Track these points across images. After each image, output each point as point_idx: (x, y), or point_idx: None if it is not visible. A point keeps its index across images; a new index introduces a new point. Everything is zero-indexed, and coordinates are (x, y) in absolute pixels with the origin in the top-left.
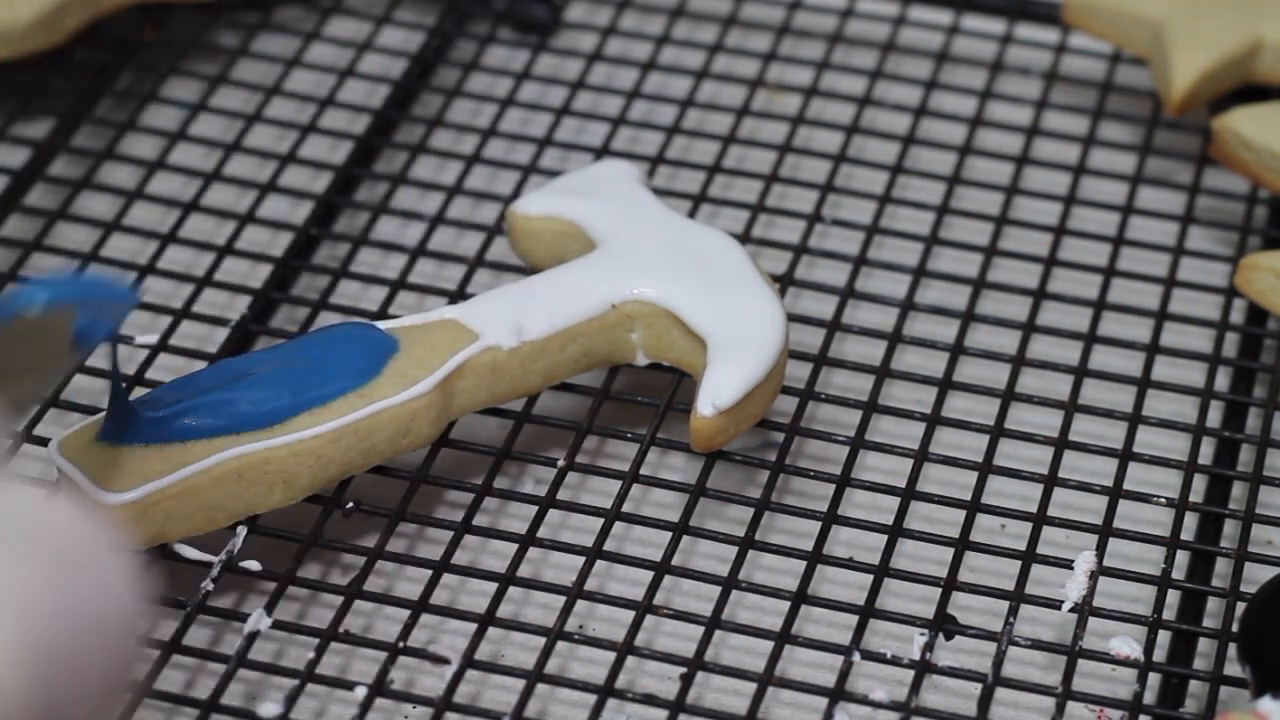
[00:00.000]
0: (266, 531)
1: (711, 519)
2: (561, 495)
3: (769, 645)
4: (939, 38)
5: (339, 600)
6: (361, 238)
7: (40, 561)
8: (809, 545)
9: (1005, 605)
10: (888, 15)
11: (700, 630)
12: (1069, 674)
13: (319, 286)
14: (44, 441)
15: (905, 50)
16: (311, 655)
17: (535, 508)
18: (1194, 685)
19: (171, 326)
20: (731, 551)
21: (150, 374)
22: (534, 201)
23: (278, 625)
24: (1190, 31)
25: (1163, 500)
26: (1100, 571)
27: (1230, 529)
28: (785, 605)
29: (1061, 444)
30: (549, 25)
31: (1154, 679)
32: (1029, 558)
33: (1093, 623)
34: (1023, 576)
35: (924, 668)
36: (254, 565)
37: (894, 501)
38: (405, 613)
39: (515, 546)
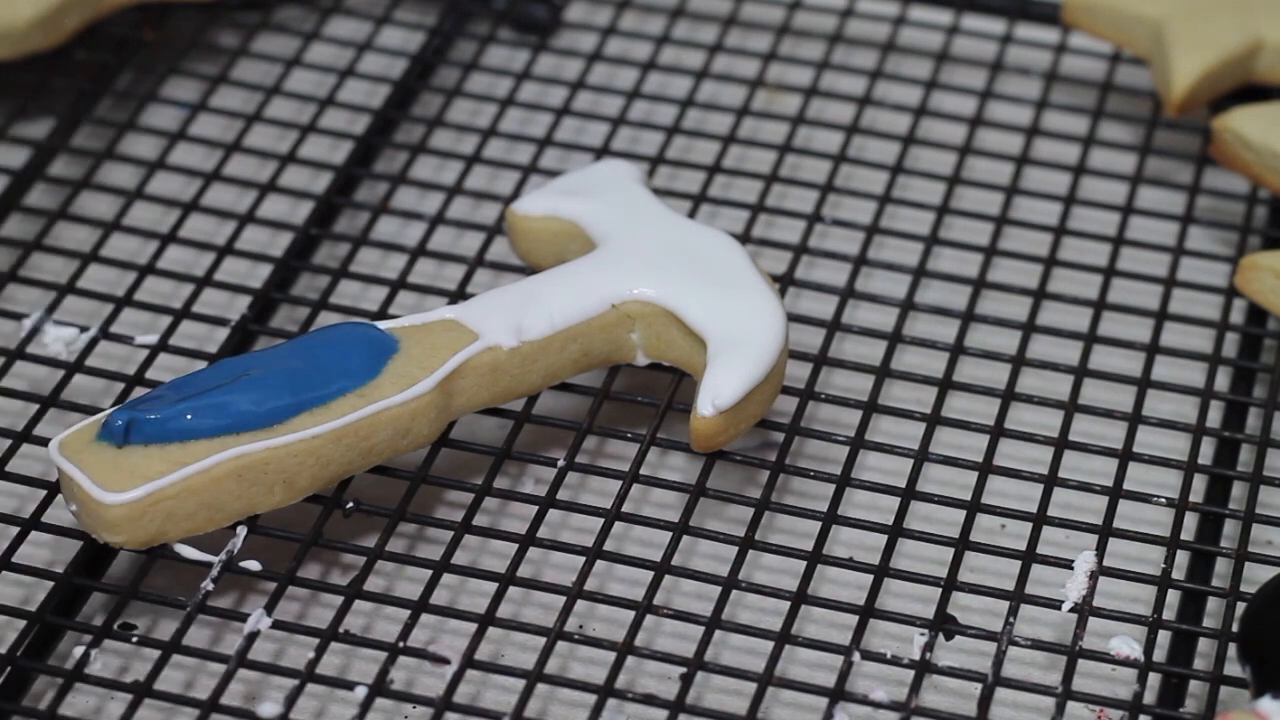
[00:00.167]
0: (266, 531)
1: (711, 519)
2: (561, 495)
3: (769, 645)
4: (939, 38)
5: (339, 600)
6: (361, 238)
7: None
8: (809, 545)
9: (1005, 605)
10: (888, 15)
11: (700, 630)
12: (1069, 674)
13: (319, 286)
14: (44, 441)
15: (905, 50)
16: (311, 655)
17: (535, 508)
18: (1194, 685)
19: (171, 326)
20: (731, 551)
21: (150, 374)
22: (534, 201)
23: (278, 625)
24: (1190, 31)
25: (1163, 500)
26: (1100, 571)
27: (1230, 529)
28: (785, 605)
29: (1061, 444)
30: (549, 25)
31: (1154, 679)
32: (1029, 558)
33: (1093, 623)
34: (1023, 576)
35: (924, 668)
36: (254, 565)
37: (894, 501)
38: (405, 613)
39: (515, 546)
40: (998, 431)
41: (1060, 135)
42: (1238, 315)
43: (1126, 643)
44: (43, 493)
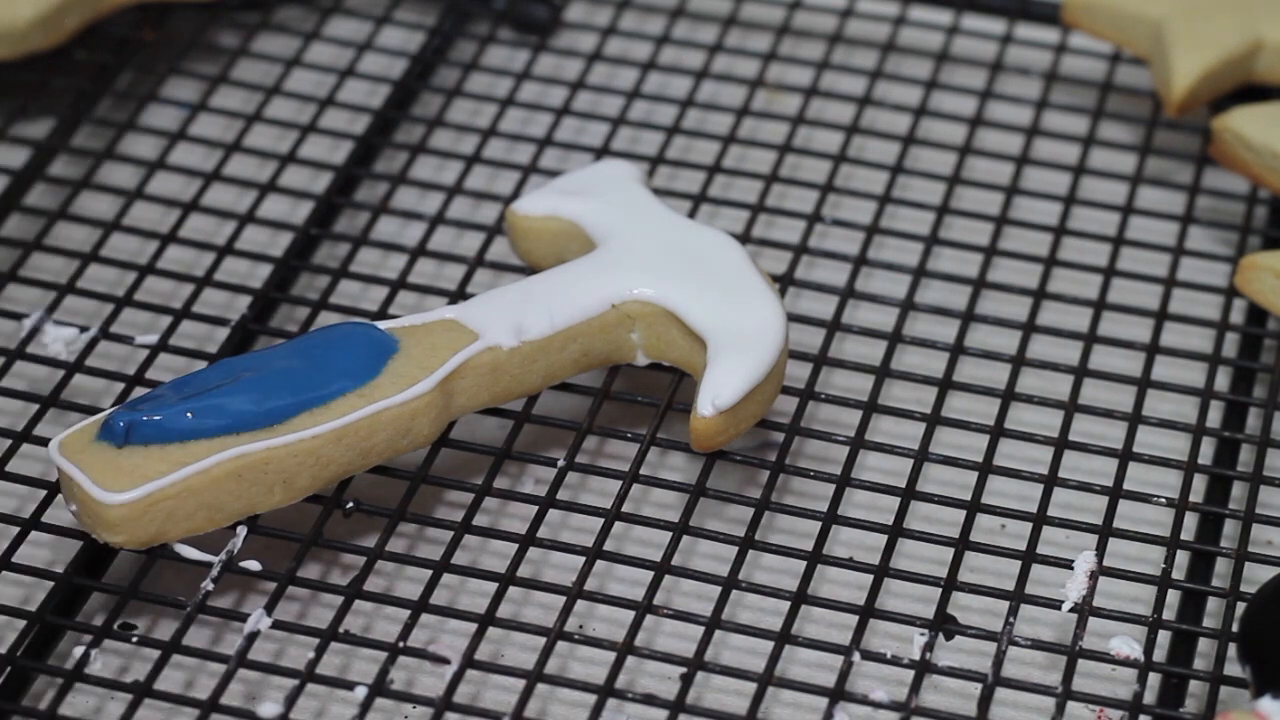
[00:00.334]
0: (266, 531)
1: (711, 519)
2: (561, 495)
3: (769, 645)
4: (939, 38)
5: (339, 600)
6: (361, 238)
7: None
8: (809, 545)
9: (1005, 605)
10: (888, 15)
11: (700, 630)
12: (1069, 674)
13: (319, 286)
14: (44, 441)
15: (905, 50)
16: (311, 655)
17: (535, 508)
18: (1194, 685)
19: (171, 326)
20: (731, 551)
21: (150, 374)
22: (534, 201)
23: (278, 625)
24: (1190, 31)
25: (1163, 500)
26: (1100, 571)
27: (1230, 529)
28: (785, 605)
29: (1061, 444)
30: (549, 25)
31: (1154, 679)
32: (1029, 558)
33: (1093, 623)
34: (1023, 576)
35: (924, 668)
36: (254, 565)
37: (894, 501)
38: (405, 613)
39: (515, 546)
40: (998, 431)
41: (1060, 135)
42: (1238, 315)
43: (1126, 643)
44: (43, 493)
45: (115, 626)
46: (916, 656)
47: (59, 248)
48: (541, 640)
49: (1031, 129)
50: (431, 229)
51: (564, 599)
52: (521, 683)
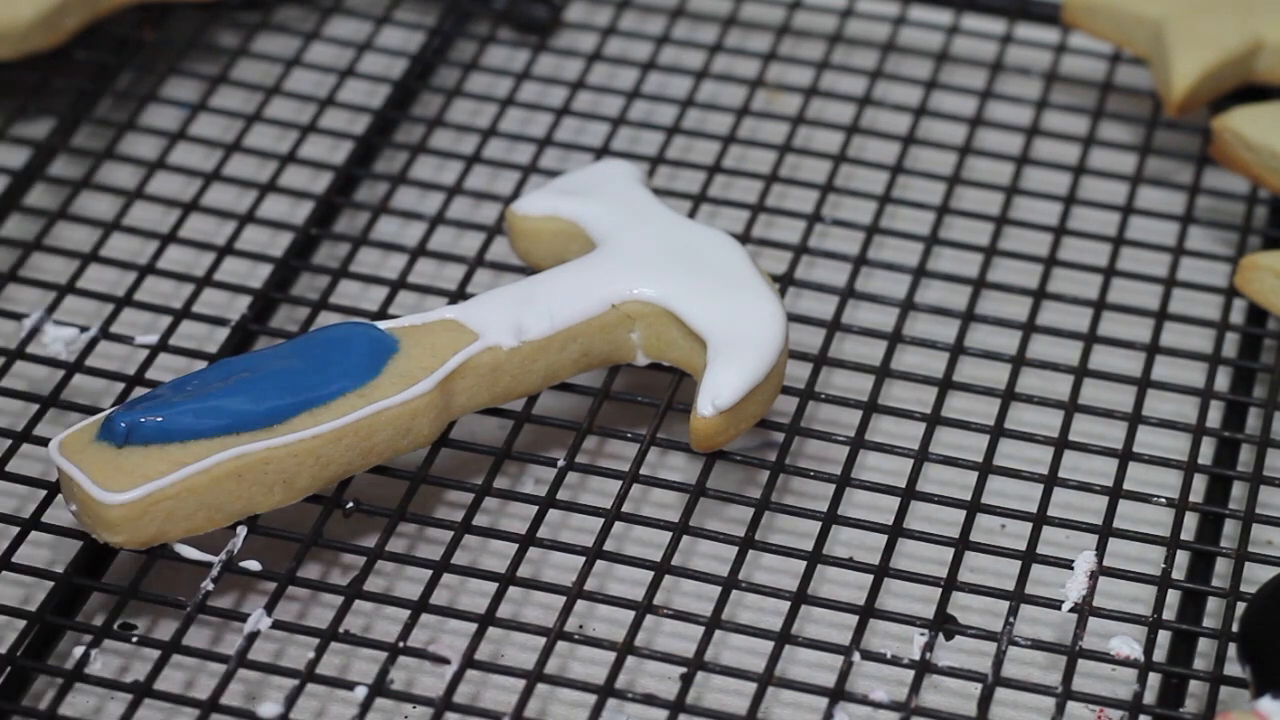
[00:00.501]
0: (266, 531)
1: (711, 519)
2: (561, 495)
3: (769, 645)
4: (939, 38)
5: (339, 600)
6: (361, 238)
7: None
8: (809, 545)
9: (1005, 605)
10: (888, 15)
11: (700, 630)
12: (1069, 674)
13: (319, 286)
14: (44, 441)
15: (905, 50)
16: (311, 655)
17: (535, 508)
18: (1194, 685)
19: (171, 326)
20: (731, 551)
21: (150, 374)
22: (534, 201)
23: (278, 625)
24: (1190, 31)
25: (1163, 500)
26: (1100, 571)
27: (1230, 529)
28: (785, 605)
29: (1061, 444)
30: (549, 25)
31: (1154, 679)
32: (1029, 558)
33: (1093, 623)
34: (1023, 576)
35: (924, 668)
36: (254, 565)
37: (894, 501)
38: (405, 613)
39: (515, 546)
40: (998, 431)
41: (1060, 135)
42: (1238, 315)
43: (1126, 643)
44: (43, 493)
45: (115, 626)
46: (916, 656)
47: (59, 248)
48: (541, 640)
49: (1031, 129)
50: (431, 229)
51: (564, 599)
52: (521, 683)
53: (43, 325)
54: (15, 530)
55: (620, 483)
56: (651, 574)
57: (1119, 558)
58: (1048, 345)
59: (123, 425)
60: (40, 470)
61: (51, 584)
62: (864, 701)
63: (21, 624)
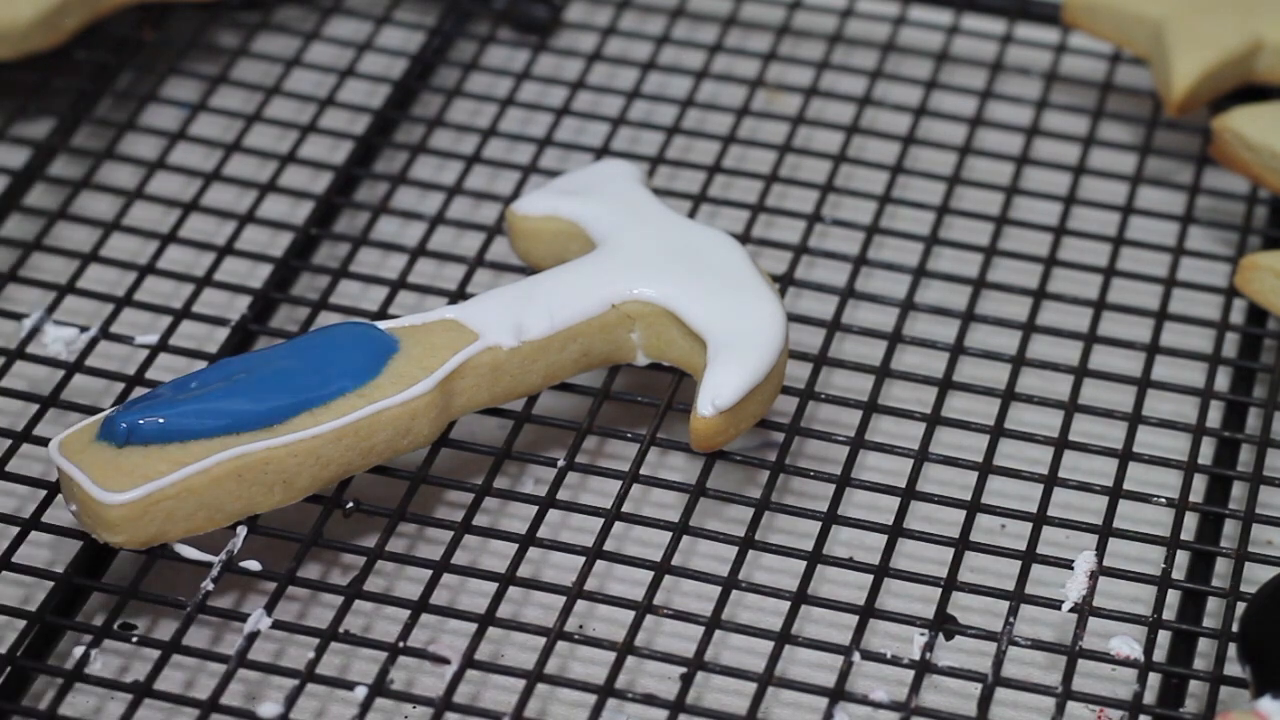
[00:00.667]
0: (266, 531)
1: (711, 519)
2: (561, 495)
3: (769, 645)
4: (939, 38)
5: (339, 600)
6: (361, 238)
7: None
8: (809, 545)
9: (1005, 605)
10: (888, 15)
11: (700, 630)
12: (1069, 674)
13: (319, 286)
14: (44, 441)
15: (905, 50)
16: (311, 655)
17: (535, 508)
18: (1194, 685)
19: (171, 326)
20: (731, 551)
21: (150, 374)
22: (534, 201)
23: (278, 625)
24: (1190, 31)
25: (1163, 500)
26: (1100, 571)
27: (1230, 529)
28: (785, 605)
29: (1061, 444)
30: (549, 25)
31: (1154, 679)
32: (1029, 558)
33: (1093, 623)
34: (1023, 576)
35: (924, 668)
36: (254, 565)
37: (894, 501)
38: (405, 613)
39: (515, 546)
40: (998, 431)
41: (1060, 135)
42: (1238, 315)
43: (1126, 643)
44: (43, 493)
45: (115, 626)
46: (916, 656)
47: (59, 248)
48: (541, 640)
49: (1031, 129)
50: (431, 229)
51: (564, 599)
52: (521, 683)
53: (43, 325)
54: (15, 530)
55: (620, 483)
56: (651, 574)
57: (1119, 558)
58: (1048, 345)
59: (123, 426)
60: (40, 470)
61: (51, 584)
62: (864, 701)
63: (21, 624)
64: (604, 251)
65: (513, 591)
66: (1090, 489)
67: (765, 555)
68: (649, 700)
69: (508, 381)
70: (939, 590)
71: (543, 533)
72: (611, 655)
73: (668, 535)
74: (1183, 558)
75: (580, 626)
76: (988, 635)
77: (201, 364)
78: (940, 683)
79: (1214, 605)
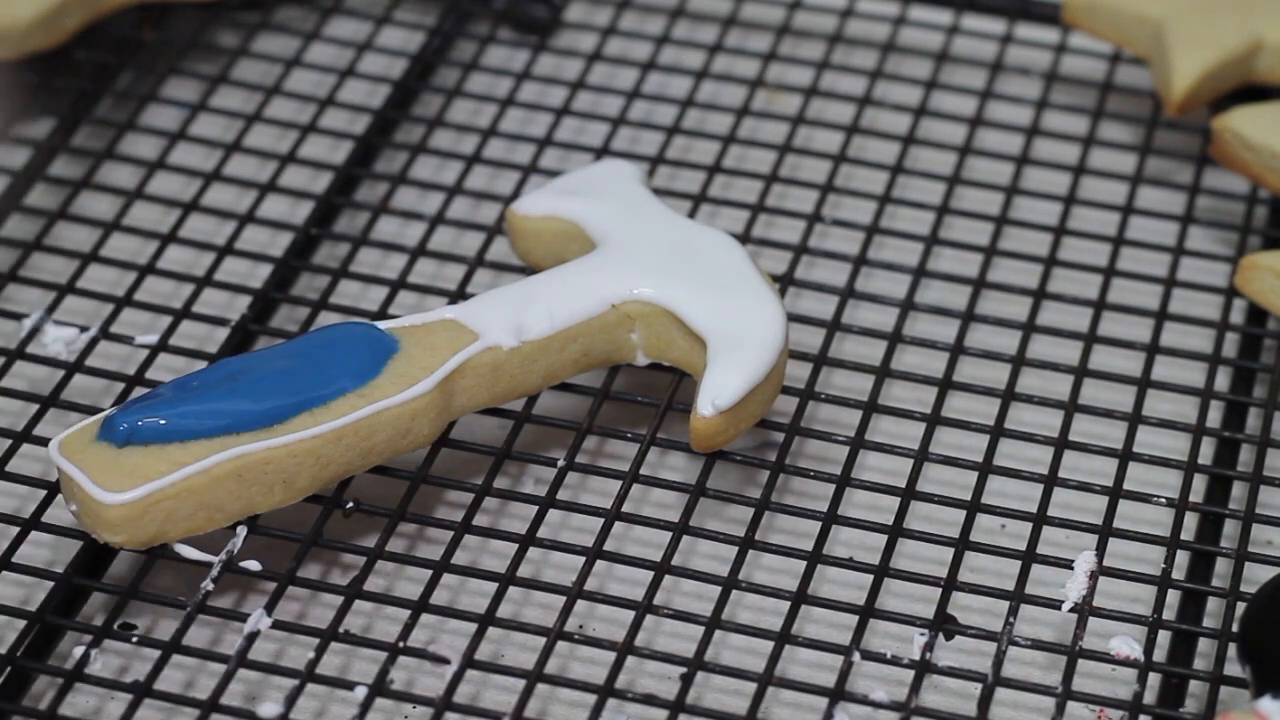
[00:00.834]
0: (266, 531)
1: (711, 519)
2: (561, 495)
3: (769, 645)
4: (939, 38)
5: (339, 600)
6: (361, 238)
7: None
8: (809, 545)
9: (1005, 605)
10: (888, 15)
11: (700, 630)
12: (1069, 674)
13: (319, 286)
14: (44, 441)
15: (905, 50)
16: (311, 655)
17: (535, 508)
18: (1194, 685)
19: (171, 326)
20: (731, 551)
21: (150, 374)
22: (534, 201)
23: (278, 625)
24: (1190, 31)
25: (1163, 500)
26: (1100, 571)
27: (1230, 529)
28: (785, 605)
29: (1061, 444)
30: (549, 25)
31: (1154, 679)
32: (1029, 558)
33: (1093, 623)
34: (1023, 576)
35: (924, 668)
36: (254, 565)
37: (894, 501)
38: (405, 613)
39: (515, 546)
40: (998, 431)
41: (1060, 135)
42: (1238, 315)
43: (1126, 643)
44: (43, 493)
45: (115, 626)
46: (916, 656)
47: (59, 248)
48: (541, 640)
49: (1031, 129)
50: (431, 229)
51: (564, 599)
52: (521, 683)
53: (43, 325)
54: (15, 530)
55: (620, 483)
56: (651, 574)
57: (1119, 558)
58: (1048, 345)
59: (123, 426)
60: (40, 470)
61: (51, 584)
62: (864, 701)
63: (21, 624)
64: (604, 251)
65: (513, 591)
66: (1090, 489)
67: (765, 555)
68: (649, 700)
69: (508, 381)
70: (939, 590)
71: (543, 533)
72: (611, 655)
73: (668, 535)
74: (1183, 558)
75: (580, 626)
76: (988, 635)
77: (201, 364)
78: (940, 683)
79: (1214, 605)
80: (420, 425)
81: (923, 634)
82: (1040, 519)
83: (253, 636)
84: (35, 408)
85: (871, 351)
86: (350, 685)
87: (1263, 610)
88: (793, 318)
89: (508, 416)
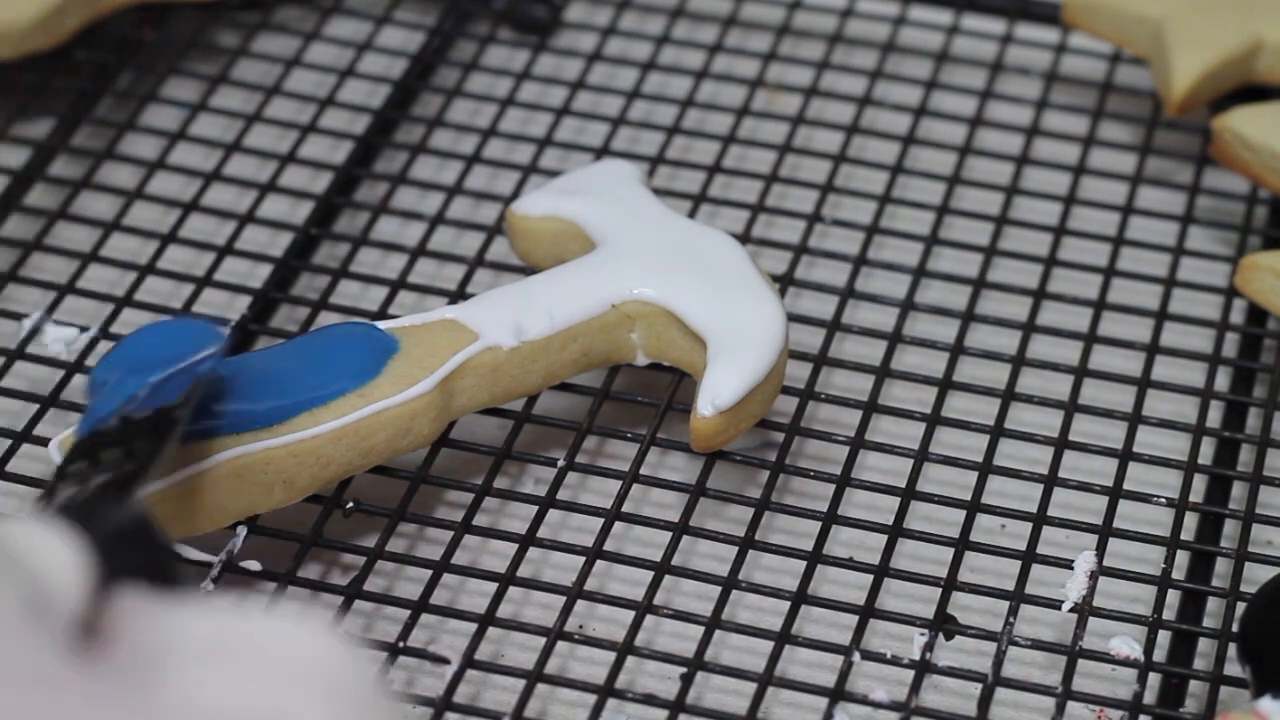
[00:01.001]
0: (266, 531)
1: (711, 519)
2: (561, 495)
3: (769, 645)
4: (939, 38)
5: (339, 600)
6: (361, 238)
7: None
8: (809, 545)
9: (1005, 605)
10: (888, 15)
11: (700, 630)
12: (1069, 674)
13: (319, 286)
14: (44, 441)
15: (905, 50)
16: None
17: (535, 508)
18: (1194, 685)
19: None
20: (731, 551)
21: None
22: (534, 201)
23: None
24: (1190, 31)
25: (1163, 500)
26: (1100, 571)
27: (1230, 529)
28: (785, 605)
29: (1061, 444)
30: (549, 25)
31: (1154, 679)
32: (1029, 558)
33: (1093, 623)
34: (1023, 576)
35: (924, 668)
36: (254, 565)
37: (894, 501)
38: (405, 613)
39: (515, 546)
40: (998, 431)
41: (1060, 135)
42: (1238, 315)
43: (1126, 643)
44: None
45: None
46: (916, 656)
47: (59, 248)
48: (541, 640)
49: (1031, 129)
50: (431, 229)
51: (564, 599)
52: (521, 683)
53: (43, 325)
54: None
55: (620, 483)
56: (651, 574)
57: (1119, 558)
58: (1048, 345)
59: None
60: (40, 470)
61: None
62: (864, 701)
63: None
64: (604, 251)
65: (513, 591)
66: (1090, 489)
67: (765, 555)
68: (649, 700)
69: (508, 381)
70: (939, 590)
71: (543, 533)
72: (611, 655)
73: (668, 535)
74: (1183, 558)
75: (580, 626)
76: (988, 635)
77: None
78: (940, 683)
79: (1214, 605)
80: (420, 425)
81: (923, 634)
82: (1040, 519)
83: None
84: (35, 408)
85: (871, 351)
86: None
87: (1263, 610)
88: (793, 318)
89: (508, 416)
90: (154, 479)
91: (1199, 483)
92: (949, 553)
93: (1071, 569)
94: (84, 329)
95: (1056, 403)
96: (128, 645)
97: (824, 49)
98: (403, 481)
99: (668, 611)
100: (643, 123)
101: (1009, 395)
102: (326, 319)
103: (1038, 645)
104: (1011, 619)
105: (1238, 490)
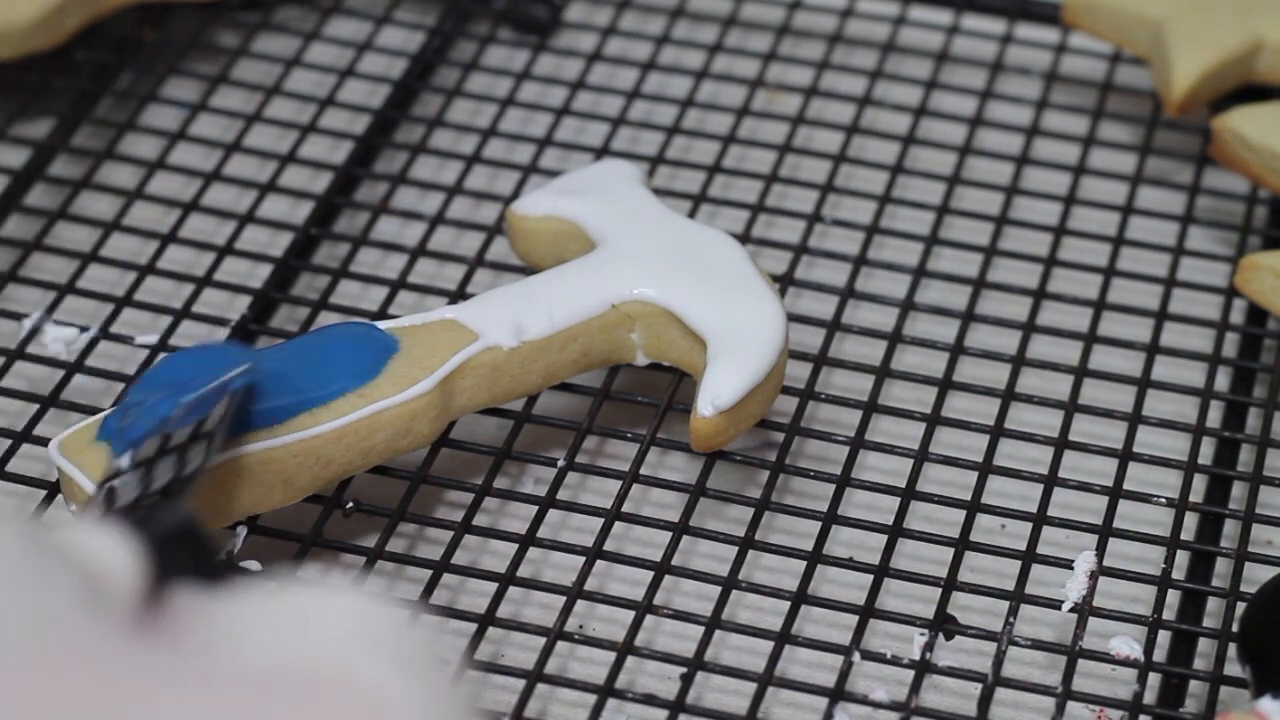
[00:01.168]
0: (266, 531)
1: (711, 519)
2: (561, 495)
3: (769, 645)
4: (939, 38)
5: None
6: (361, 238)
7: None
8: (809, 545)
9: (1005, 605)
10: (888, 15)
11: (700, 630)
12: (1069, 674)
13: (319, 286)
14: (44, 441)
15: (905, 50)
16: None
17: (535, 508)
18: (1194, 685)
19: (171, 326)
20: (731, 551)
21: None
22: (534, 201)
23: None
24: (1190, 31)
25: (1163, 500)
26: (1100, 571)
27: (1230, 529)
28: (785, 605)
29: (1061, 444)
30: (549, 25)
31: (1154, 679)
32: (1029, 558)
33: (1093, 623)
34: (1023, 576)
35: (924, 668)
36: (254, 565)
37: (894, 501)
38: (405, 613)
39: (515, 546)
40: (998, 431)
41: (1060, 135)
42: (1238, 315)
43: (1126, 643)
44: (43, 493)
45: None
46: (916, 656)
47: (59, 248)
48: (541, 640)
49: (1031, 129)
50: (431, 229)
51: (564, 599)
52: (521, 683)
53: (43, 325)
54: None
55: (620, 483)
56: (651, 574)
57: (1119, 558)
58: (1048, 345)
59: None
60: (40, 470)
61: None
62: (864, 701)
63: None
64: (604, 251)
65: (513, 591)
66: (1090, 489)
67: (765, 555)
68: (649, 700)
69: (508, 381)
70: (939, 590)
71: (543, 533)
72: (611, 655)
73: (668, 535)
74: (1183, 558)
75: (580, 626)
76: (988, 635)
77: None
78: (940, 683)
79: (1214, 605)
80: (420, 425)
81: (923, 634)
82: (1040, 519)
83: None
84: (35, 408)
85: (871, 351)
86: None
87: (1263, 610)
88: (793, 318)
89: (508, 416)
90: (198, 489)
91: (1199, 483)
92: (949, 553)
93: (1071, 569)
94: (84, 329)
95: (1056, 403)
96: (184, 630)
97: (824, 49)
98: (403, 481)
99: (668, 611)
100: (643, 123)
101: (1009, 395)
102: (326, 319)
103: (1038, 645)
104: (1011, 619)
105: (1238, 490)
